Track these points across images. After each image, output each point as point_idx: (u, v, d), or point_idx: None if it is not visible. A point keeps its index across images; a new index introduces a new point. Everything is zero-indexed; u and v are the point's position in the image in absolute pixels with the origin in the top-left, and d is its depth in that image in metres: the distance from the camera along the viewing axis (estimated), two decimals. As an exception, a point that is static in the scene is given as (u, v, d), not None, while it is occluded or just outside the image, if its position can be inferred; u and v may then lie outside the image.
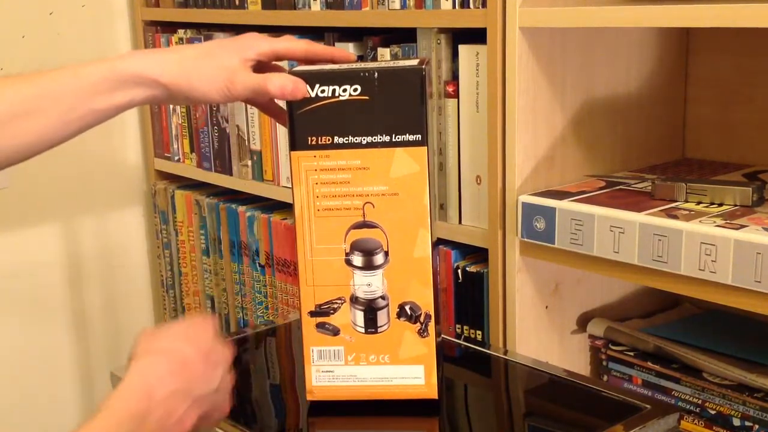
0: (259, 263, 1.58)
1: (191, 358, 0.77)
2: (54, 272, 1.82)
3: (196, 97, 0.89)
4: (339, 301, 0.94)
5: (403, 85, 0.89)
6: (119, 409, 0.72)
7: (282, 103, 0.93)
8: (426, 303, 0.93)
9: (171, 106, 1.73)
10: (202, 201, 1.69)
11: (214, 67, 0.88)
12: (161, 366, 0.76)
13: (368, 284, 0.93)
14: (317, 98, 0.90)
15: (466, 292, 1.22)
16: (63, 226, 1.81)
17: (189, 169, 1.72)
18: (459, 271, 1.22)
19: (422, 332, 0.93)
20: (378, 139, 0.90)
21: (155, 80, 0.87)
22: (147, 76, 0.87)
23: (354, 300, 0.93)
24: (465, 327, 1.23)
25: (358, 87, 0.89)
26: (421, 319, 0.93)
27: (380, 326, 0.94)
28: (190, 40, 1.63)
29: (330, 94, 0.90)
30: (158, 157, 1.81)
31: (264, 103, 0.98)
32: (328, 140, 0.90)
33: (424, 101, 0.89)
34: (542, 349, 1.19)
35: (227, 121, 1.59)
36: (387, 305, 0.93)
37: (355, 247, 0.92)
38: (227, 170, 1.62)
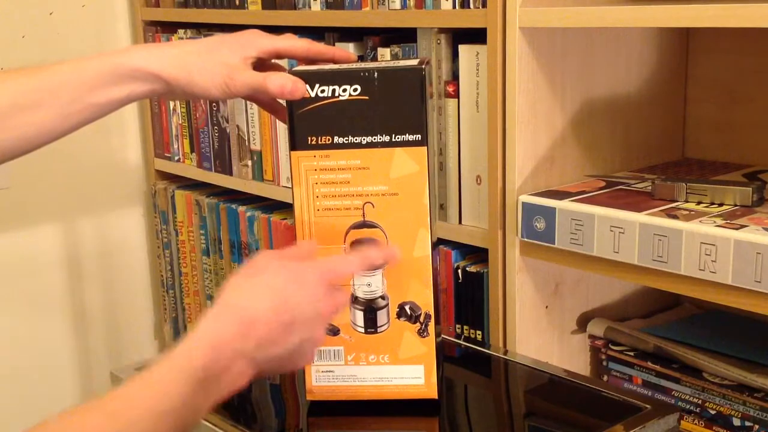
0: (259, 263, 1.57)
1: (262, 319, 0.75)
2: (54, 272, 1.82)
3: (195, 93, 0.89)
4: None
5: (403, 85, 0.89)
6: (183, 359, 0.71)
7: (283, 102, 0.93)
8: (426, 303, 0.93)
9: (171, 106, 1.73)
10: (202, 201, 1.69)
11: (214, 63, 0.88)
12: (229, 325, 0.74)
13: (368, 284, 0.93)
14: (317, 98, 0.90)
15: (466, 292, 1.22)
16: (63, 226, 1.81)
17: (189, 169, 1.72)
18: (459, 271, 1.22)
19: (422, 332, 0.93)
20: (378, 139, 0.90)
21: (155, 74, 0.87)
22: (147, 70, 0.87)
23: (354, 300, 0.93)
24: (465, 327, 1.23)
25: (358, 87, 0.89)
26: (421, 319, 0.93)
27: (380, 326, 0.94)
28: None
29: (330, 94, 0.90)
30: (158, 157, 1.81)
31: (263, 100, 0.98)
32: (328, 140, 0.90)
33: (424, 101, 0.89)
34: (542, 349, 1.19)
35: (227, 121, 1.59)
36: (387, 305, 0.93)
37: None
38: (227, 170, 1.62)
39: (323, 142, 0.91)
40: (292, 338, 0.76)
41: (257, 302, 0.76)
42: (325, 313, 0.80)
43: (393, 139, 0.90)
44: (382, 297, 0.93)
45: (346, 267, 0.85)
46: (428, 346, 0.94)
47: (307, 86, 0.89)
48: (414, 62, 0.92)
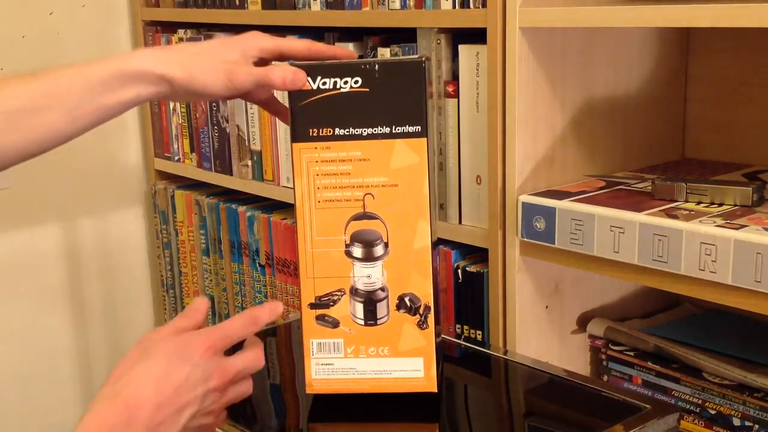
0: (259, 263, 1.58)
1: (146, 404, 0.74)
2: (54, 272, 1.82)
3: (198, 91, 0.89)
4: (339, 293, 0.94)
5: (404, 77, 0.90)
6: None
7: (284, 98, 0.94)
8: (425, 295, 0.93)
9: (171, 106, 1.73)
10: (202, 201, 1.69)
11: (216, 61, 0.89)
12: (113, 415, 0.74)
13: (368, 276, 0.93)
14: (318, 90, 0.91)
15: (466, 292, 1.22)
16: (63, 226, 1.81)
17: (189, 169, 1.72)
18: (459, 271, 1.22)
19: (421, 324, 0.94)
20: (378, 130, 0.91)
21: (159, 76, 0.88)
22: (151, 72, 0.88)
23: (354, 292, 0.94)
24: (465, 327, 1.23)
25: (359, 79, 0.90)
26: (421, 311, 0.93)
27: (380, 318, 0.94)
28: (190, 40, 1.63)
29: (331, 86, 0.91)
30: (158, 157, 1.81)
31: (266, 100, 0.99)
32: (329, 132, 0.91)
33: (425, 93, 0.90)
34: (542, 349, 1.19)
35: (227, 121, 1.59)
36: (386, 297, 0.93)
37: (355, 238, 0.93)
38: (227, 170, 1.62)
39: (324, 134, 0.91)
40: (182, 418, 0.76)
41: (140, 387, 0.75)
42: (217, 386, 0.79)
43: (393, 131, 0.90)
44: (382, 289, 0.93)
45: (232, 332, 0.82)
46: (428, 339, 0.94)
47: (309, 78, 0.91)
48: (414, 57, 0.93)
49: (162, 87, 0.89)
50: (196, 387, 0.77)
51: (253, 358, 0.83)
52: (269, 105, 1.00)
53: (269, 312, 0.85)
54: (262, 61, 0.93)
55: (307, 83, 0.91)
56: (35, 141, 0.87)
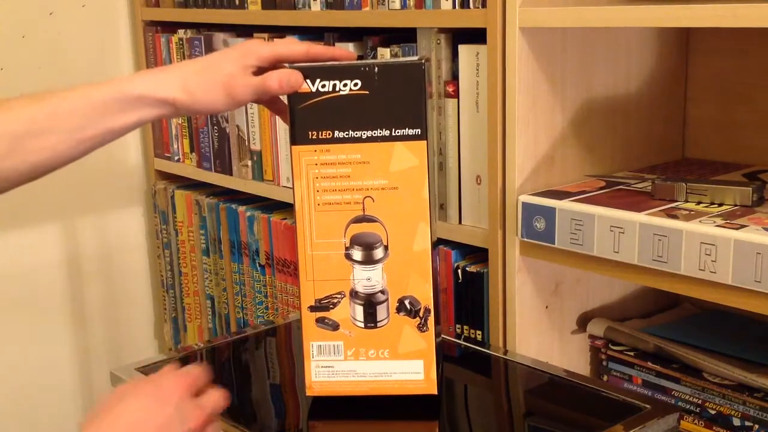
0: (259, 263, 1.58)
1: None
2: (54, 272, 1.82)
3: (201, 110, 0.92)
4: (339, 296, 0.94)
5: (403, 80, 0.90)
6: None
7: (285, 99, 0.94)
8: (425, 297, 0.93)
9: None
10: (202, 201, 1.69)
11: (214, 76, 0.90)
12: None
13: (368, 278, 0.93)
14: (318, 93, 0.91)
15: (466, 292, 1.22)
16: (63, 226, 1.81)
17: (189, 169, 1.72)
18: (459, 271, 1.22)
19: (421, 327, 0.94)
20: (378, 133, 0.91)
21: (161, 100, 0.89)
22: (152, 96, 0.89)
23: (353, 294, 0.94)
24: (465, 327, 1.23)
25: (359, 81, 0.90)
26: (421, 313, 0.93)
27: (380, 321, 0.94)
28: (190, 40, 1.63)
29: (330, 89, 0.91)
30: (158, 157, 1.81)
31: (268, 100, 0.99)
32: (329, 134, 0.91)
33: (424, 95, 0.90)
34: (542, 349, 1.19)
35: (227, 121, 1.59)
36: (386, 300, 0.93)
37: (355, 241, 0.93)
38: (227, 170, 1.62)
39: (324, 137, 0.91)
40: None
41: (118, 431, 0.74)
42: (195, 428, 0.78)
43: (393, 134, 0.90)
44: (382, 291, 0.93)
45: (198, 375, 0.82)
46: (428, 341, 0.94)
47: (308, 81, 0.91)
48: (414, 59, 0.93)
49: (164, 109, 0.90)
50: (174, 429, 0.77)
51: (219, 398, 0.83)
52: (271, 105, 1.01)
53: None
54: (261, 70, 0.93)
55: (305, 84, 0.91)
56: (38, 164, 0.88)
